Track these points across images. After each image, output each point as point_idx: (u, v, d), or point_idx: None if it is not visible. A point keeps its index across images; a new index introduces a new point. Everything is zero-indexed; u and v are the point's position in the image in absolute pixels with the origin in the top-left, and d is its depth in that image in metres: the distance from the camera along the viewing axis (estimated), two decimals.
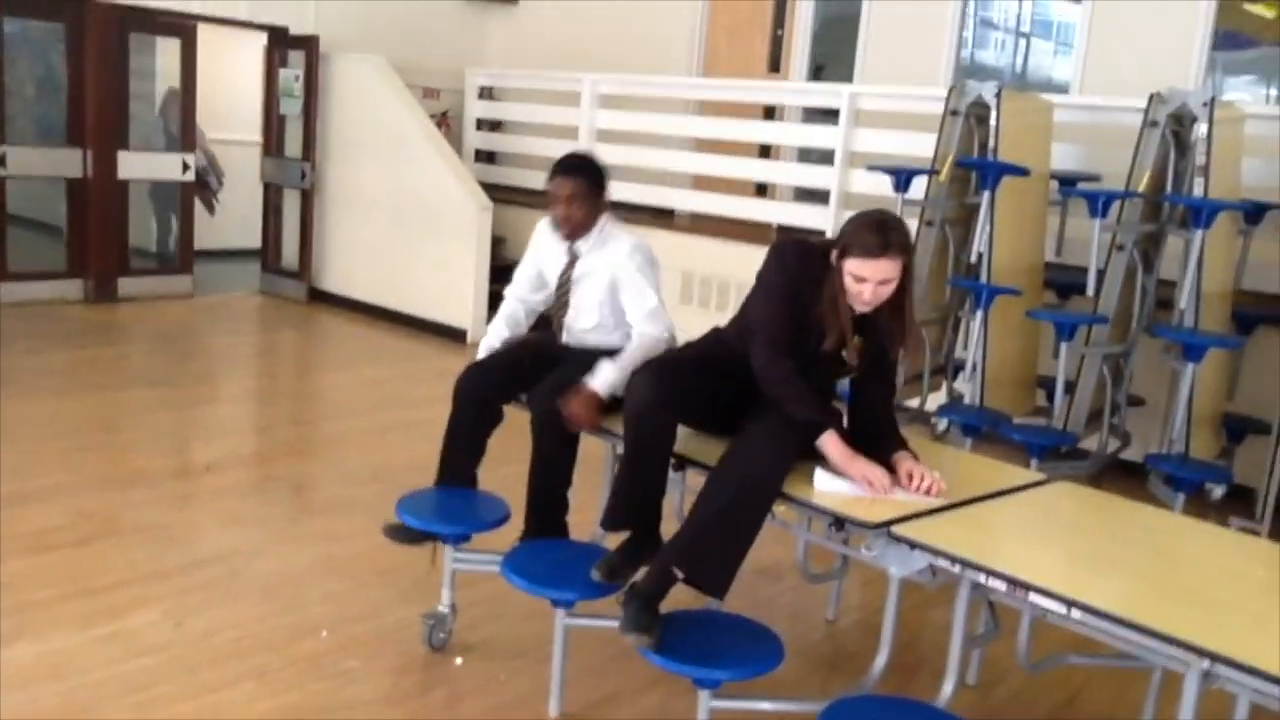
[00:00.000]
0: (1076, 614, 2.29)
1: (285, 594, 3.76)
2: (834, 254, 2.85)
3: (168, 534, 4.27)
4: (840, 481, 2.82)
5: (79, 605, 3.62)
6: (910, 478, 2.83)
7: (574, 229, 3.58)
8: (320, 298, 9.19)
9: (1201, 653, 2.12)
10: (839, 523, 2.75)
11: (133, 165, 8.61)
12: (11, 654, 3.27)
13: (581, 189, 3.53)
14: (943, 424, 5.58)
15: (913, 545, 2.56)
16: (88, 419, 5.77)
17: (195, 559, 4.06)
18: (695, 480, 2.94)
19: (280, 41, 9.20)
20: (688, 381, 2.94)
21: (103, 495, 4.60)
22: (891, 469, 2.86)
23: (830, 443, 2.84)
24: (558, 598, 2.91)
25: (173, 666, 3.26)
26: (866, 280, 2.79)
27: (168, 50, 9.12)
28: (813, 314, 2.89)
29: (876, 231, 2.78)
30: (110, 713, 3.00)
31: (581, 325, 3.66)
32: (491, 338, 3.78)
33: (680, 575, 2.73)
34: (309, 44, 9.01)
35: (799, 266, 2.94)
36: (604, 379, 3.27)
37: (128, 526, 4.31)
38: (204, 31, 8.99)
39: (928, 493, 2.80)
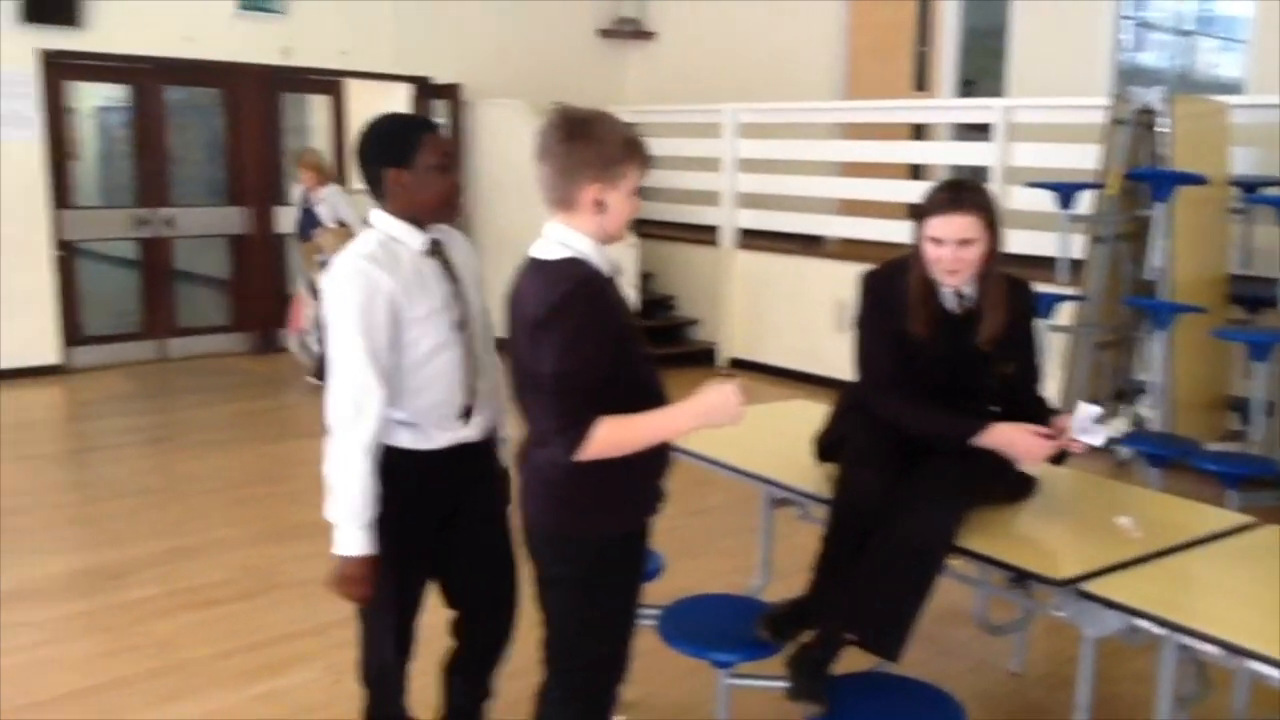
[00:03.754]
0: None
1: (444, 647, 3.69)
2: (915, 229, 2.76)
3: (325, 588, 4.27)
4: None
5: (240, 662, 3.64)
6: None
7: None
8: None
9: None
10: (1020, 577, 2.52)
11: (289, 220, 8.87)
12: (177, 713, 3.31)
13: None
14: (1126, 453, 5.21)
15: (1108, 605, 2.31)
16: (250, 472, 5.91)
17: (353, 613, 4.04)
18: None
19: (424, 91, 9.39)
20: (900, 465, 2.71)
21: (263, 549, 4.66)
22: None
23: (989, 439, 2.68)
24: (718, 660, 2.76)
25: None
26: (944, 242, 2.67)
27: (319, 107, 9.44)
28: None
29: (949, 189, 2.74)
30: None
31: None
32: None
33: (852, 638, 2.55)
34: (452, 92, 9.17)
35: (885, 288, 2.83)
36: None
37: (287, 581, 4.35)
38: (352, 85, 9.26)
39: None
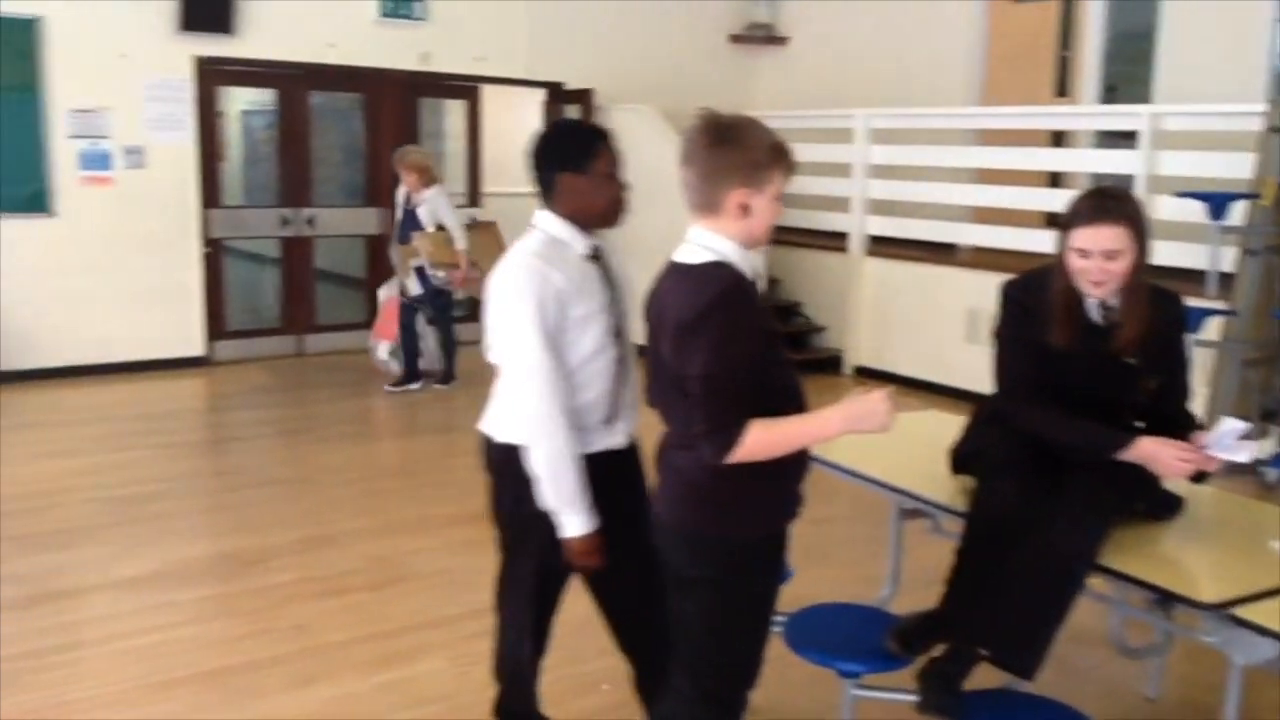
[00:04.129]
0: None
1: (567, 645, 3.68)
2: (1059, 239, 2.67)
3: (453, 580, 4.37)
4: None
5: (370, 649, 3.73)
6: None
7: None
8: None
9: None
10: (1165, 599, 2.43)
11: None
12: (308, 696, 3.41)
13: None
14: (1274, 476, 4.98)
15: (1262, 631, 2.20)
16: (382, 465, 6.06)
17: (480, 606, 4.07)
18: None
19: (556, 96, 9.51)
20: (1040, 479, 2.64)
21: (393, 541, 4.77)
22: None
23: (1132, 453, 2.57)
24: (845, 670, 2.72)
25: (455, 717, 3.31)
26: (1090, 253, 2.57)
27: (454, 111, 9.65)
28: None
29: (1096, 198, 2.64)
30: None
31: None
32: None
33: (985, 654, 2.48)
34: (583, 97, 9.26)
35: (1026, 298, 2.74)
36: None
37: (415, 572, 4.44)
38: (486, 90, 9.44)
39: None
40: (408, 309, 7.52)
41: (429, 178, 7.30)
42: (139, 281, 7.91)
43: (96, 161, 7.71)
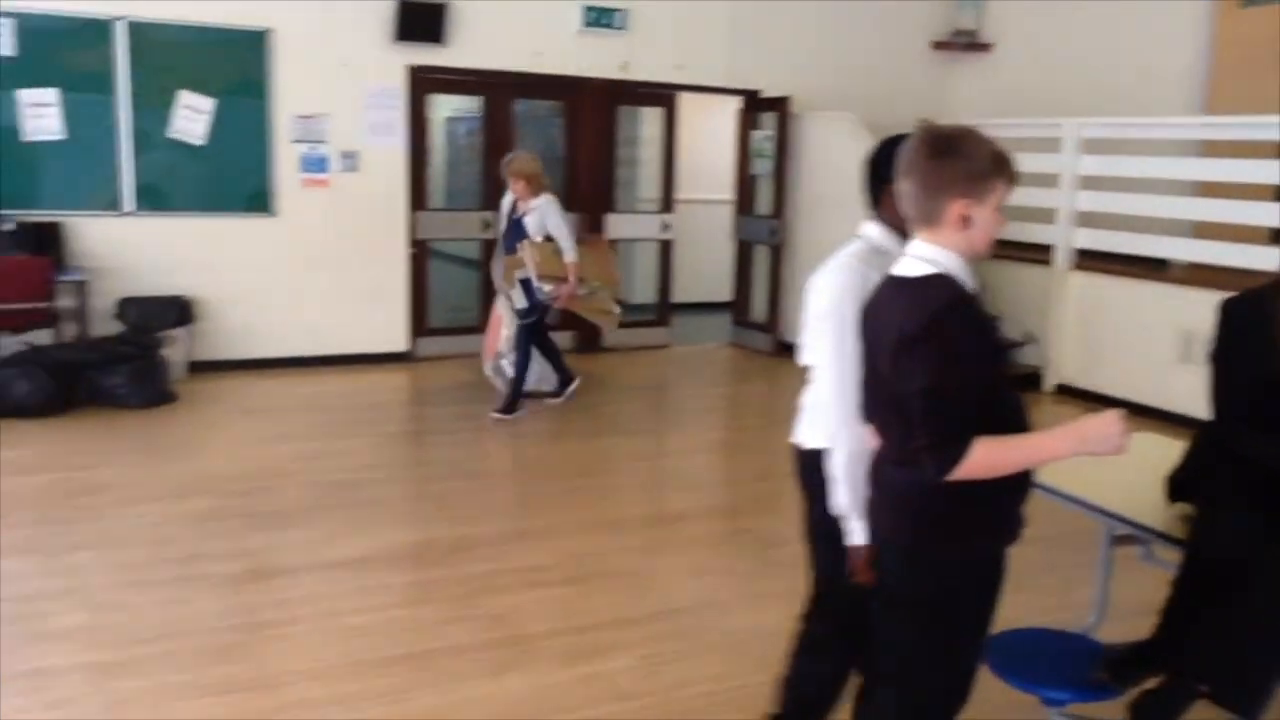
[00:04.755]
0: None
1: (755, 652, 3.73)
2: None
3: (643, 580, 4.44)
4: None
5: (564, 643, 3.83)
6: None
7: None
8: (788, 350, 9.28)
9: None
10: None
11: (619, 227, 9.35)
12: (507, 684, 3.53)
13: None
14: None
15: None
16: (575, 464, 6.21)
17: (669, 607, 4.18)
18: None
19: (753, 104, 9.52)
20: (1267, 509, 2.48)
21: (589, 538, 4.88)
22: None
23: None
24: (1050, 697, 2.64)
25: (645, 715, 3.35)
26: None
27: (651, 119, 9.79)
28: None
29: None
30: None
31: None
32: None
33: (1204, 691, 2.37)
34: (780, 105, 9.25)
35: (1249, 316, 2.59)
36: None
37: (608, 570, 4.53)
38: (683, 97, 9.54)
39: None
40: (527, 330, 7.00)
41: (538, 185, 6.84)
42: (350, 279, 8.33)
43: (315, 165, 8.16)
